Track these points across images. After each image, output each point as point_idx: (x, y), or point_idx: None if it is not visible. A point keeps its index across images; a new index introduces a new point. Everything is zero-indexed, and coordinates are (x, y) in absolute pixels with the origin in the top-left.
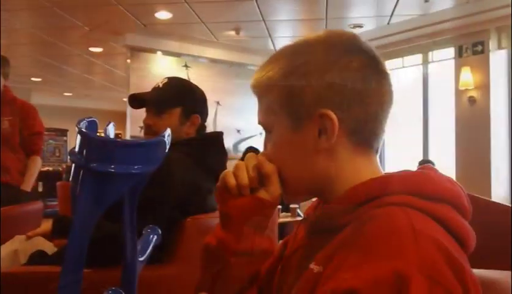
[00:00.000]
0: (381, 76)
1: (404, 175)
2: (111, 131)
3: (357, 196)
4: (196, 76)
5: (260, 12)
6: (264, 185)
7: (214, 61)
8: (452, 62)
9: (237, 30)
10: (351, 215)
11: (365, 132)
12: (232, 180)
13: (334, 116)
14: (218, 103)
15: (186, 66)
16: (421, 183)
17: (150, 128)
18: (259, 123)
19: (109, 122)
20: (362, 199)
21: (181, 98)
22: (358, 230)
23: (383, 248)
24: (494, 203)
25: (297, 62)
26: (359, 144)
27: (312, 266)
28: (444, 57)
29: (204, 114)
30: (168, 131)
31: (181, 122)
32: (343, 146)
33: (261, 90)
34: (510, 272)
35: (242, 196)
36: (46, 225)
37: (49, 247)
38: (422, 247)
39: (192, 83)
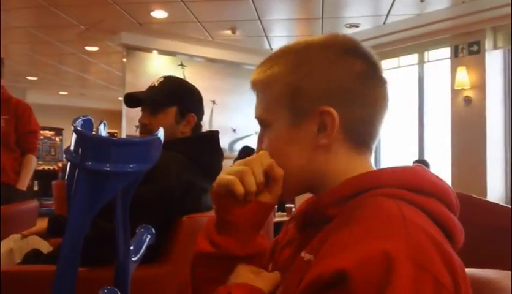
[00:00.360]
0: (380, 81)
1: (393, 170)
2: (102, 130)
3: (348, 188)
4: (192, 75)
5: (256, 11)
6: (268, 188)
7: (209, 60)
8: (448, 61)
9: (233, 30)
10: (341, 207)
11: (362, 133)
12: (240, 188)
13: (334, 113)
14: (214, 102)
15: (182, 65)
16: (410, 177)
17: (145, 128)
18: (257, 117)
19: (101, 122)
20: (353, 191)
21: (177, 98)
22: (347, 217)
23: (372, 231)
24: (493, 203)
25: (301, 59)
26: (355, 144)
27: (303, 254)
28: (440, 57)
29: (200, 113)
30: (161, 130)
31: (177, 121)
32: (340, 144)
33: (263, 85)
34: (507, 272)
35: (249, 203)
36: (42, 224)
37: (45, 246)
38: (412, 234)
39: (187, 82)
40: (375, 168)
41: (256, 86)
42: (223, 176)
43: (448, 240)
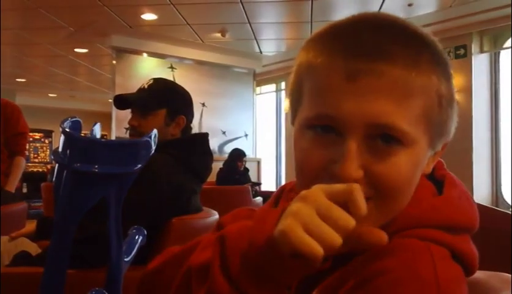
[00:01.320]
0: None
1: (433, 205)
2: (97, 131)
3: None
4: (182, 77)
5: (246, 15)
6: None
7: (199, 63)
8: None
9: (223, 33)
10: None
11: None
12: (318, 250)
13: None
14: (203, 104)
15: (172, 67)
16: (448, 215)
17: (135, 130)
18: (395, 128)
19: (96, 123)
20: (389, 230)
21: (166, 100)
22: (373, 265)
23: None
24: (483, 205)
25: (445, 62)
26: None
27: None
28: None
29: (189, 115)
30: (155, 132)
31: (166, 123)
32: None
33: (419, 87)
34: (494, 273)
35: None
36: (31, 226)
37: (33, 248)
38: None
39: (177, 84)
40: None
41: (398, 83)
42: (296, 233)
43: (465, 272)
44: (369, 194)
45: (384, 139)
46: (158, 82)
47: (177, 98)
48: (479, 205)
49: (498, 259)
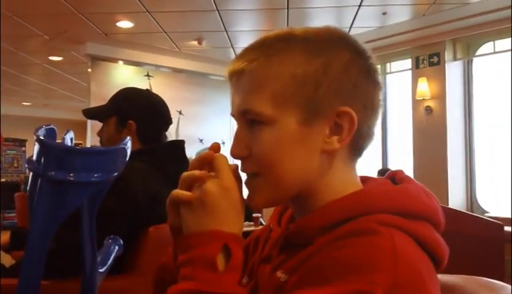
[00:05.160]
0: (380, 84)
1: (386, 191)
2: (69, 139)
3: (340, 213)
4: (158, 85)
5: (222, 23)
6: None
7: (176, 71)
8: (410, 73)
9: (200, 41)
10: (330, 232)
11: (365, 140)
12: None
13: (354, 116)
14: (180, 112)
15: (148, 75)
16: (402, 201)
17: (100, 139)
18: (254, 112)
19: (68, 131)
20: (345, 216)
21: (115, 107)
22: (335, 243)
23: (358, 265)
24: (463, 212)
25: (316, 49)
26: (355, 151)
27: (279, 274)
28: (401, 68)
29: (143, 120)
30: (128, 139)
31: (118, 131)
32: (343, 152)
33: (264, 76)
34: (471, 277)
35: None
36: (4, 237)
37: (7, 260)
38: (400, 270)
39: (139, 91)
40: (360, 183)
41: (250, 76)
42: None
43: (434, 264)
44: (255, 169)
45: (252, 122)
46: (118, 92)
47: (126, 104)
48: (466, 214)
49: (479, 265)
